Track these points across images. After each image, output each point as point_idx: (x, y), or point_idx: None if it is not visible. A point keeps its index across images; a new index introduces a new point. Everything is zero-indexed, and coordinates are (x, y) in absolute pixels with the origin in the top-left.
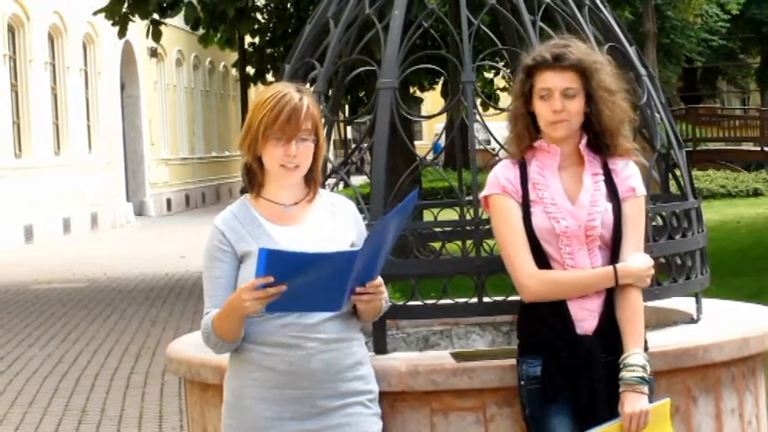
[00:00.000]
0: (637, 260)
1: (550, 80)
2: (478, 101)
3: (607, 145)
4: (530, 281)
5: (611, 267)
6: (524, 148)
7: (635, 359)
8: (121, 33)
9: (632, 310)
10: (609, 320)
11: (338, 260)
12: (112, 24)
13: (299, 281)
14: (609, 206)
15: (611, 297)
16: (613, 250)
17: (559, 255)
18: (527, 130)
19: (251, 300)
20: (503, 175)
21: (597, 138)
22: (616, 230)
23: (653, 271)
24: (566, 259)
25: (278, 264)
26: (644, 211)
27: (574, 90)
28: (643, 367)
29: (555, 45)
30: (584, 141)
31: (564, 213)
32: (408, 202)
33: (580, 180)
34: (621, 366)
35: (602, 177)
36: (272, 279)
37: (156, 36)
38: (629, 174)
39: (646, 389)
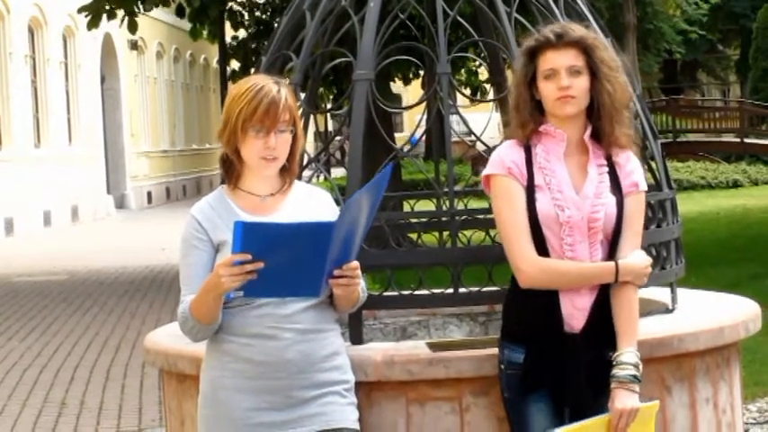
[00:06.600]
0: (638, 258)
1: (555, 59)
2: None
3: (608, 132)
4: (530, 267)
5: (612, 263)
6: (530, 134)
7: (628, 357)
8: (92, 24)
9: (628, 307)
10: (597, 320)
11: (314, 231)
12: (86, 16)
13: (277, 258)
14: (613, 200)
15: (601, 296)
16: (612, 245)
17: (559, 244)
18: (532, 115)
19: (227, 276)
20: (508, 156)
21: (599, 123)
22: (617, 225)
23: (650, 269)
24: (566, 250)
25: (254, 238)
26: (644, 207)
27: (578, 67)
28: (635, 366)
29: (554, 25)
30: (588, 131)
31: (568, 202)
32: (381, 178)
33: (584, 170)
34: (614, 363)
35: (607, 169)
36: (249, 257)
37: (132, 27)
38: (633, 168)
39: (637, 387)
